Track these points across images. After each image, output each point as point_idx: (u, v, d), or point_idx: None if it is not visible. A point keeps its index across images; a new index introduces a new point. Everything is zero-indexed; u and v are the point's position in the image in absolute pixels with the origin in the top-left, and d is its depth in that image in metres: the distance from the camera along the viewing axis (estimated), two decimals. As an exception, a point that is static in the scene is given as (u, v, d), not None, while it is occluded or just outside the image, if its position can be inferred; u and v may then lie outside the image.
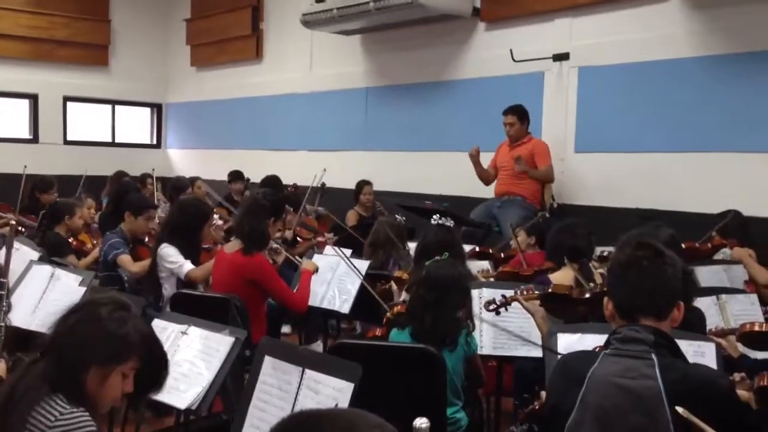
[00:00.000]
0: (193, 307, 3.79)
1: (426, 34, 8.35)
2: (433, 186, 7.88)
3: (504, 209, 6.67)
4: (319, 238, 6.37)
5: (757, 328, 3.34)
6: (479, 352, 3.49)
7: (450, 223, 4.21)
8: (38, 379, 2.06)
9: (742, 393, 2.51)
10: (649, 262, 2.24)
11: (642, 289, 2.23)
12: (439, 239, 4.04)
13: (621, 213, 6.38)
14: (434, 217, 4.22)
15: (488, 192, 7.14)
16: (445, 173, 7.88)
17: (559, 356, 2.69)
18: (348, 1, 8.22)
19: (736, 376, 2.80)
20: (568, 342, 2.89)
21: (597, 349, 2.34)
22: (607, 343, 2.25)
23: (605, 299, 2.35)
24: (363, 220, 7.60)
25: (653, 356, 2.14)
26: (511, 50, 7.24)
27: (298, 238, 6.38)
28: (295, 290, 4.46)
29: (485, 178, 7.10)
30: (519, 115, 6.82)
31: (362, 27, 8.68)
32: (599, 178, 6.82)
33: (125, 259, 5.12)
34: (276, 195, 5.70)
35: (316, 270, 4.59)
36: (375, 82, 9.11)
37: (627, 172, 6.60)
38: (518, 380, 4.10)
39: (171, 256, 4.63)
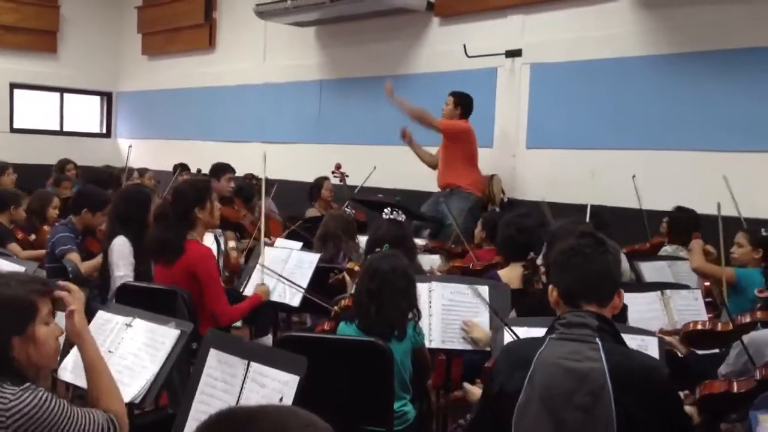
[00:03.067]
0: (140, 298, 3.73)
1: (381, 28, 8.34)
2: (385, 180, 7.88)
3: (448, 201, 6.67)
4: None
5: (699, 327, 3.42)
6: (428, 345, 3.51)
7: (401, 217, 4.21)
8: None
9: (687, 408, 2.58)
10: (591, 250, 2.33)
11: (585, 276, 2.32)
12: (390, 233, 4.04)
13: (571, 209, 6.46)
14: (385, 210, 4.21)
15: (434, 187, 7.15)
16: (397, 167, 7.89)
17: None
18: (303, -9, 8.18)
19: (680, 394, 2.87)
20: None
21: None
22: (552, 329, 2.32)
23: (550, 287, 2.40)
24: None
25: (597, 340, 2.22)
26: (464, 45, 7.27)
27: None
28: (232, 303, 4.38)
29: (428, 162, 7.13)
30: (456, 99, 6.80)
31: (317, 19, 8.64)
32: (549, 173, 6.89)
33: (74, 257, 4.99)
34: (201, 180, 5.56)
35: (266, 299, 4.51)
36: (329, 75, 9.08)
37: (576, 168, 6.68)
38: (467, 373, 4.13)
39: (119, 257, 4.54)
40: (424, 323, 3.54)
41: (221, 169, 6.88)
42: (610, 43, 6.53)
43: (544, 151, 6.97)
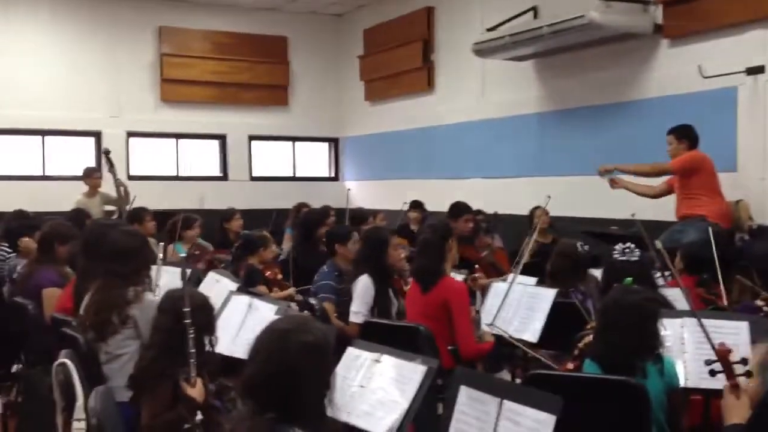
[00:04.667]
0: (383, 335, 3.83)
1: (603, 55, 8.12)
2: (616, 210, 7.58)
3: (683, 233, 6.31)
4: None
5: None
6: (683, 383, 3.29)
7: (635, 255, 4.01)
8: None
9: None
10: None
11: None
12: (631, 267, 3.87)
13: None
14: (617, 248, 4.02)
15: (673, 216, 6.77)
16: (629, 196, 7.56)
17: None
18: (521, 27, 8.17)
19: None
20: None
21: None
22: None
23: None
24: (540, 246, 7.44)
25: None
26: (699, 66, 6.89)
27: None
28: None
29: (649, 194, 6.78)
30: (676, 134, 6.50)
31: (535, 52, 8.57)
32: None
33: (330, 308, 5.21)
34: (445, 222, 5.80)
35: None
36: (548, 107, 8.96)
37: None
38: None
39: (362, 296, 4.80)
40: (677, 361, 3.34)
41: (461, 210, 6.98)
42: None
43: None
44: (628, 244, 4.04)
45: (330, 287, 5.30)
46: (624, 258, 3.97)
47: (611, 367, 3.06)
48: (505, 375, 5.31)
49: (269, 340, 2.29)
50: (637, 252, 4.03)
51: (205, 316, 3.32)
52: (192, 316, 3.12)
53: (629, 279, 3.46)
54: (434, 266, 4.48)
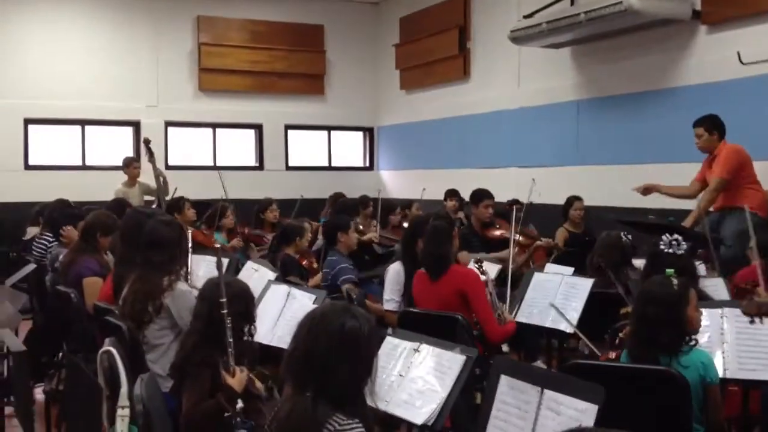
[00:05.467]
0: (420, 324, 3.85)
1: (641, 42, 8.02)
2: (653, 200, 7.51)
3: (723, 223, 6.22)
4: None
5: None
6: (721, 375, 3.27)
7: (681, 248, 3.97)
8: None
9: None
10: None
11: None
12: (672, 258, 3.85)
13: None
14: (664, 239, 3.99)
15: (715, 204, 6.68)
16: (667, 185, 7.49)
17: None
18: (557, 14, 8.10)
19: None
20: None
21: None
22: None
23: None
24: (573, 236, 7.42)
25: None
26: (738, 52, 6.78)
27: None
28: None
29: (686, 194, 6.67)
30: (705, 126, 6.32)
31: (572, 39, 8.50)
32: None
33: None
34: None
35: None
36: (587, 95, 8.88)
37: None
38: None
39: (394, 283, 4.87)
40: (716, 352, 3.32)
41: (480, 196, 6.98)
42: None
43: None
44: (675, 236, 4.01)
45: (349, 269, 5.46)
46: (670, 250, 3.95)
47: (642, 358, 3.06)
48: (540, 365, 5.30)
49: (311, 320, 2.33)
50: (684, 246, 4.00)
51: (243, 305, 3.33)
52: (230, 304, 3.15)
53: (671, 270, 3.44)
54: (444, 253, 4.47)
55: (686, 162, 6.78)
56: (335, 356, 2.23)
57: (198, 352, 3.21)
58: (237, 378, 3.11)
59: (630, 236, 5.15)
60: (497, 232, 6.74)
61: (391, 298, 4.93)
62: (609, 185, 8.27)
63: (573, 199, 7.66)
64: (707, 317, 3.38)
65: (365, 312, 2.41)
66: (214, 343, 3.19)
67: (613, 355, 3.43)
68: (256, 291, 4.06)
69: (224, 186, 8.18)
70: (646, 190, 6.78)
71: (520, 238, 6.52)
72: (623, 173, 8.19)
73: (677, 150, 7.32)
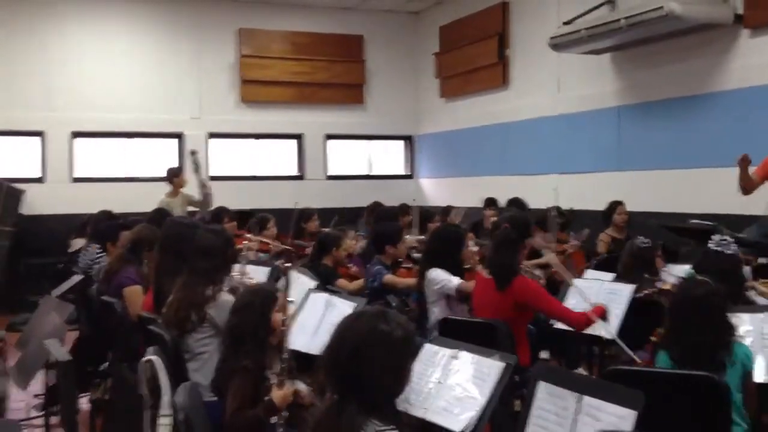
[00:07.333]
0: (460, 331, 3.86)
1: (682, 47, 7.94)
2: (694, 204, 7.42)
3: None
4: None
5: None
6: (763, 379, 3.25)
7: (731, 249, 3.93)
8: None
9: None
10: None
11: None
12: (716, 266, 3.81)
13: None
14: (713, 238, 3.96)
15: (760, 209, 6.56)
16: (709, 190, 7.40)
17: None
18: (597, 20, 8.06)
19: None
20: None
21: None
22: None
23: None
24: (616, 242, 7.35)
25: None
26: (782, 56, 6.68)
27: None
28: None
29: (748, 185, 6.51)
30: None
31: (612, 45, 8.44)
32: None
33: (390, 277, 5.50)
34: (522, 216, 5.84)
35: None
36: (627, 100, 8.80)
37: None
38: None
39: (439, 276, 4.80)
40: (757, 355, 3.29)
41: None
42: None
43: None
44: (725, 236, 3.99)
45: (380, 269, 5.60)
46: (719, 249, 3.92)
47: (684, 362, 3.06)
48: (582, 373, 5.27)
49: (347, 322, 2.36)
50: (734, 246, 3.97)
51: (258, 314, 3.32)
52: (239, 315, 3.22)
53: (691, 270, 3.43)
54: (511, 264, 4.46)
55: (728, 167, 6.67)
56: (365, 359, 2.23)
57: (235, 358, 3.23)
58: (282, 393, 3.10)
59: (647, 240, 5.11)
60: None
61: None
62: (650, 190, 8.19)
63: (616, 204, 7.59)
64: (750, 321, 3.35)
65: (402, 318, 2.42)
66: (248, 350, 3.22)
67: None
68: (296, 300, 4.12)
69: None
70: (743, 161, 6.53)
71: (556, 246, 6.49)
72: (665, 178, 8.11)
73: (719, 154, 7.22)
